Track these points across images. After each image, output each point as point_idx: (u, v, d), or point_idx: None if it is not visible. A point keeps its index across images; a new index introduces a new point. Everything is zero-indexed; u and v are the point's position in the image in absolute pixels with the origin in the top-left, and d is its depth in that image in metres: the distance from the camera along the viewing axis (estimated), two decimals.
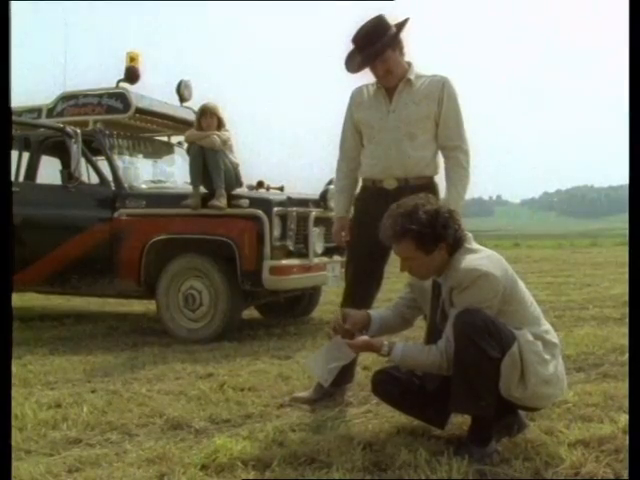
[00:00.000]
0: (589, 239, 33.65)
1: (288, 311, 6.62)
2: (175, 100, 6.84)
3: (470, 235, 2.67)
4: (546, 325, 2.69)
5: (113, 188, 5.81)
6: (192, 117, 6.82)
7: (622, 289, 8.64)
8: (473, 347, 2.43)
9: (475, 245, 2.66)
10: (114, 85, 6.25)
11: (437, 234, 2.55)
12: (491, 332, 2.46)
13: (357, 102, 3.46)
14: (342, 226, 3.56)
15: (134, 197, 5.74)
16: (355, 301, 3.45)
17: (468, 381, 2.45)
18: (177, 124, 6.83)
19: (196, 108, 6.91)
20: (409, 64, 3.37)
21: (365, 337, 2.71)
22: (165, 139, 7.17)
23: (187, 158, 6.96)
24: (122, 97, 6.17)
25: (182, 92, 6.76)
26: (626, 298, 7.04)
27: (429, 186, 3.31)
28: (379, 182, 3.36)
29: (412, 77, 3.34)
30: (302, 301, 6.63)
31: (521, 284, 2.67)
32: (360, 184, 3.52)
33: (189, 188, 5.81)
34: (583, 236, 43.93)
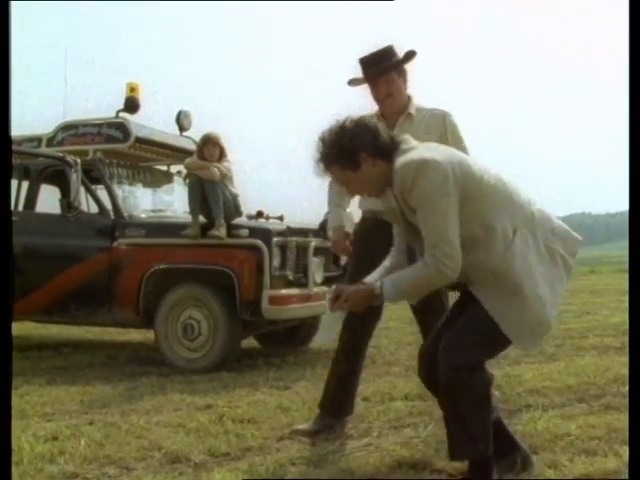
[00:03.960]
0: (587, 266, 33.62)
1: (287, 340, 6.59)
2: (174, 129, 6.88)
3: (407, 137, 2.55)
4: (529, 208, 2.51)
5: (112, 217, 5.82)
6: (192, 146, 6.87)
7: (622, 317, 8.60)
8: (461, 394, 2.39)
9: (413, 143, 2.52)
10: (114, 115, 6.27)
11: (350, 148, 2.46)
12: (474, 365, 2.43)
13: None
14: (341, 235, 3.52)
15: (133, 226, 5.74)
16: (354, 332, 3.43)
17: (462, 428, 2.42)
18: (177, 153, 6.86)
19: (195, 137, 6.99)
20: (409, 98, 3.39)
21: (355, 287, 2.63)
22: (164, 168, 7.18)
23: (186, 187, 7.00)
24: (122, 127, 6.20)
25: (181, 122, 6.79)
26: (627, 327, 6.99)
27: None
28: (379, 214, 3.34)
29: (413, 111, 3.35)
30: (301, 330, 6.60)
31: (482, 167, 2.49)
32: (360, 216, 3.51)
33: (189, 217, 5.81)
34: (581, 263, 43.73)
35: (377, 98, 3.38)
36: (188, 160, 5.60)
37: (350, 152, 2.47)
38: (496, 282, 2.42)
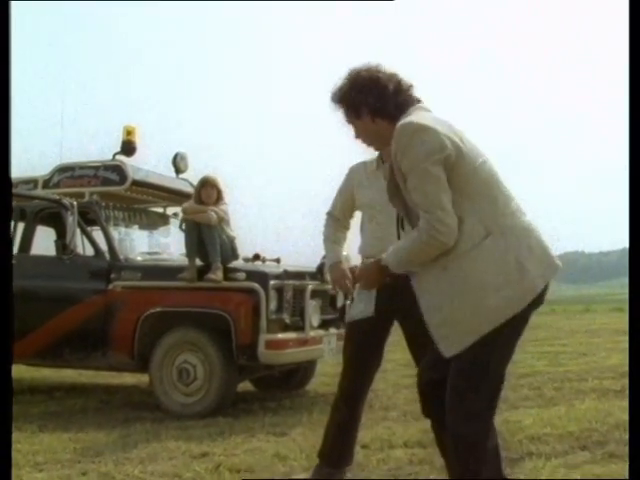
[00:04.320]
0: (582, 305, 33.61)
1: (283, 384, 6.52)
2: (171, 171, 6.88)
3: (422, 104, 2.47)
4: (514, 217, 2.36)
5: (108, 260, 5.78)
6: (188, 188, 6.88)
7: (620, 359, 8.58)
8: (469, 455, 2.31)
9: (423, 111, 2.43)
10: (110, 157, 6.28)
11: (353, 99, 2.47)
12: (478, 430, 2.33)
13: (357, 181, 3.44)
14: (341, 272, 3.41)
15: (129, 269, 5.70)
16: (354, 378, 3.39)
17: None
18: (173, 195, 6.85)
19: (192, 179, 6.99)
20: None
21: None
22: (160, 210, 7.17)
23: (183, 230, 6.98)
24: (118, 169, 6.20)
25: (178, 164, 6.80)
26: (625, 369, 6.98)
27: None
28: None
29: None
30: (297, 374, 6.53)
31: (482, 160, 2.37)
32: (360, 261, 3.48)
33: (185, 260, 5.78)
34: (576, 301, 43.91)
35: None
36: (186, 205, 5.59)
37: (353, 103, 2.48)
38: (443, 277, 2.32)
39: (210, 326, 5.39)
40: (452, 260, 2.28)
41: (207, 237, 5.35)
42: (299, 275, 5.68)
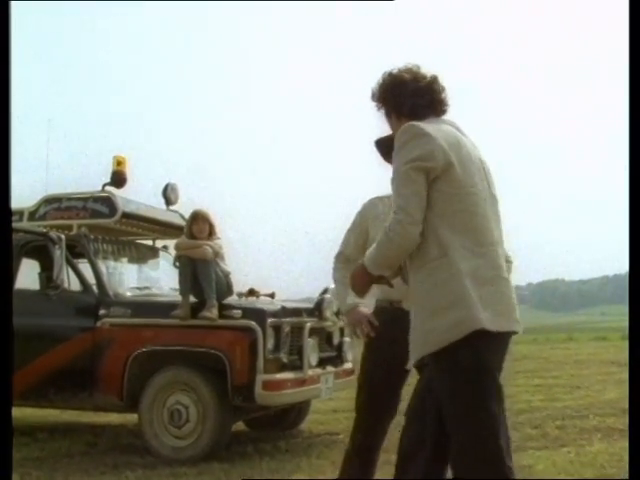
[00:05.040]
0: (564, 333, 33.58)
1: (276, 423, 6.27)
2: (160, 202, 6.69)
3: (444, 116, 2.50)
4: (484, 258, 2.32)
5: (96, 295, 5.54)
6: (179, 221, 6.68)
7: (617, 393, 8.47)
8: None
9: (441, 124, 2.44)
10: (99, 189, 6.07)
11: (382, 97, 2.54)
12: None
13: (373, 215, 3.28)
14: (361, 315, 3.22)
15: (119, 305, 5.46)
16: (366, 431, 3.18)
17: None
18: (163, 228, 6.64)
19: (182, 211, 6.80)
20: None
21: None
22: (149, 242, 6.94)
23: (173, 265, 6.76)
24: (108, 201, 5.99)
25: (168, 195, 6.61)
26: (624, 405, 6.86)
27: None
28: (397, 303, 3.15)
29: None
30: (291, 413, 6.30)
31: (479, 186, 2.37)
32: (374, 305, 3.29)
33: (176, 295, 5.57)
34: (557, 330, 43.90)
35: None
36: (179, 241, 5.40)
37: (382, 101, 2.54)
38: (412, 286, 2.40)
39: (204, 366, 5.16)
40: (414, 271, 2.35)
41: (202, 273, 5.14)
42: (297, 312, 5.47)
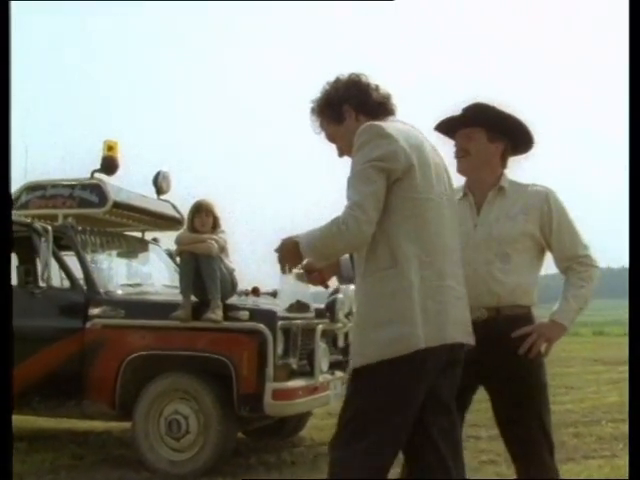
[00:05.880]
0: None
1: (276, 431, 5.83)
2: (150, 191, 6.18)
3: (394, 117, 2.44)
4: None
5: (85, 293, 5.03)
6: (171, 211, 6.23)
7: (616, 396, 8.30)
8: None
9: (400, 124, 2.37)
10: (88, 175, 5.53)
11: (335, 98, 2.43)
12: None
13: None
14: None
15: (111, 304, 4.95)
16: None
17: None
18: (154, 219, 6.14)
19: (174, 201, 6.32)
20: (502, 173, 2.82)
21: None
22: (138, 234, 6.42)
23: (164, 256, 6.27)
24: (98, 189, 5.44)
25: (160, 184, 6.09)
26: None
27: (526, 317, 2.74)
28: None
29: (505, 184, 2.79)
30: (291, 420, 5.86)
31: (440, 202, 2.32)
32: None
33: (171, 293, 5.11)
34: None
35: (455, 155, 2.82)
36: (180, 234, 4.93)
37: (335, 102, 2.43)
38: (357, 290, 2.38)
39: (206, 372, 4.72)
40: (361, 278, 2.30)
41: (206, 270, 4.67)
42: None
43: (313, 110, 2.50)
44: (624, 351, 12.10)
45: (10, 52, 2.11)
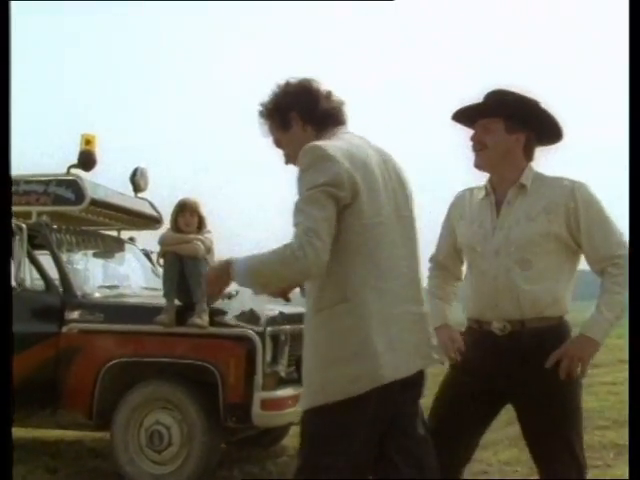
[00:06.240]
0: None
1: (256, 440, 5.60)
2: (126, 189, 5.91)
3: (343, 127, 2.35)
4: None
5: (61, 295, 4.76)
6: (149, 210, 5.98)
7: (593, 401, 8.13)
8: None
9: (348, 138, 2.27)
10: (64, 171, 5.24)
11: (283, 104, 2.33)
12: None
13: (459, 214, 2.67)
14: (450, 336, 2.59)
15: (88, 308, 4.69)
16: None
17: None
18: (132, 218, 5.88)
19: (152, 199, 6.08)
20: (528, 167, 2.57)
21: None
22: (113, 233, 6.14)
23: (140, 257, 6.02)
24: (74, 186, 5.15)
25: (137, 181, 5.82)
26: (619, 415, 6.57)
27: (557, 330, 2.49)
28: (486, 324, 2.54)
29: (527, 182, 2.53)
30: (274, 429, 5.63)
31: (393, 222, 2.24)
32: (465, 324, 2.69)
33: (151, 295, 4.86)
34: None
35: (472, 148, 2.59)
36: (164, 234, 4.69)
37: (283, 109, 2.34)
38: (307, 327, 2.32)
39: (190, 380, 4.48)
40: (311, 313, 2.23)
41: (191, 272, 4.45)
42: (296, 318, 4.80)
43: (261, 113, 2.40)
44: (611, 352, 12.14)
45: (10, 52, 2.08)
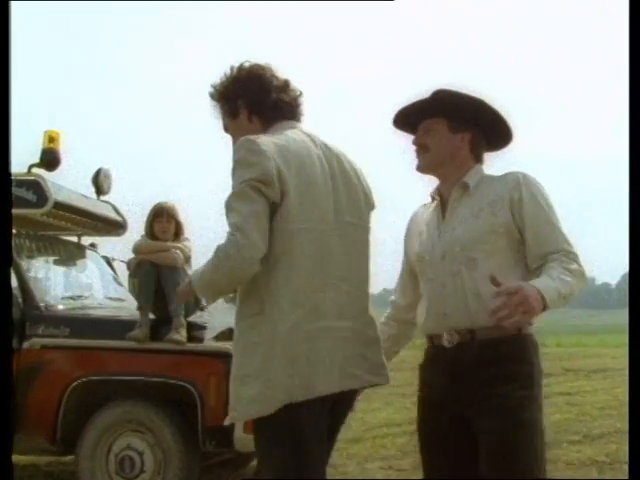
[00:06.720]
0: None
1: (227, 461, 5.28)
2: (88, 191, 5.53)
3: (299, 124, 2.24)
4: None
5: (22, 307, 4.36)
6: (112, 214, 5.61)
7: (556, 414, 8.03)
8: None
9: (296, 130, 2.18)
10: (25, 170, 4.83)
11: (232, 91, 2.22)
12: None
13: (413, 232, 2.42)
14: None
15: (52, 321, 4.32)
16: None
17: None
18: (94, 222, 5.49)
19: (115, 202, 5.72)
20: (476, 167, 2.32)
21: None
22: (73, 239, 5.74)
23: (103, 264, 5.66)
24: (36, 187, 4.75)
25: (101, 183, 5.45)
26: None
27: (514, 342, 2.14)
28: (437, 338, 2.24)
29: (470, 181, 2.27)
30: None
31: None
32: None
33: (117, 306, 4.51)
34: None
35: (415, 152, 2.33)
36: (138, 242, 4.35)
37: (231, 95, 2.23)
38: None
39: (165, 400, 4.17)
40: (236, 320, 2.11)
41: (169, 284, 4.13)
42: None
43: (212, 96, 2.29)
44: (554, 361, 12.19)
45: (10, 52, 2.07)
